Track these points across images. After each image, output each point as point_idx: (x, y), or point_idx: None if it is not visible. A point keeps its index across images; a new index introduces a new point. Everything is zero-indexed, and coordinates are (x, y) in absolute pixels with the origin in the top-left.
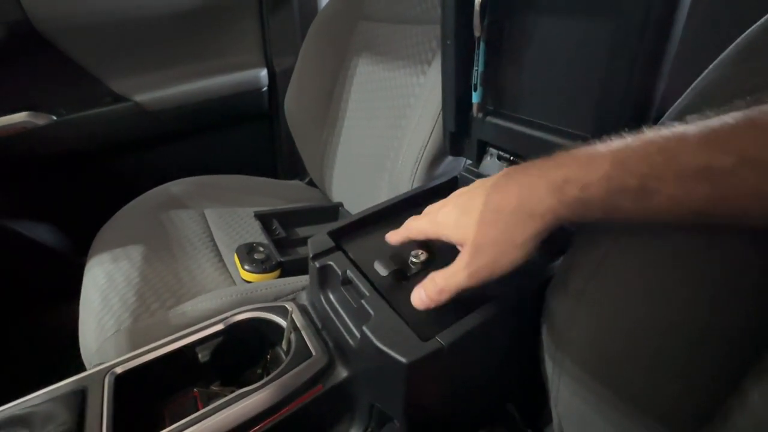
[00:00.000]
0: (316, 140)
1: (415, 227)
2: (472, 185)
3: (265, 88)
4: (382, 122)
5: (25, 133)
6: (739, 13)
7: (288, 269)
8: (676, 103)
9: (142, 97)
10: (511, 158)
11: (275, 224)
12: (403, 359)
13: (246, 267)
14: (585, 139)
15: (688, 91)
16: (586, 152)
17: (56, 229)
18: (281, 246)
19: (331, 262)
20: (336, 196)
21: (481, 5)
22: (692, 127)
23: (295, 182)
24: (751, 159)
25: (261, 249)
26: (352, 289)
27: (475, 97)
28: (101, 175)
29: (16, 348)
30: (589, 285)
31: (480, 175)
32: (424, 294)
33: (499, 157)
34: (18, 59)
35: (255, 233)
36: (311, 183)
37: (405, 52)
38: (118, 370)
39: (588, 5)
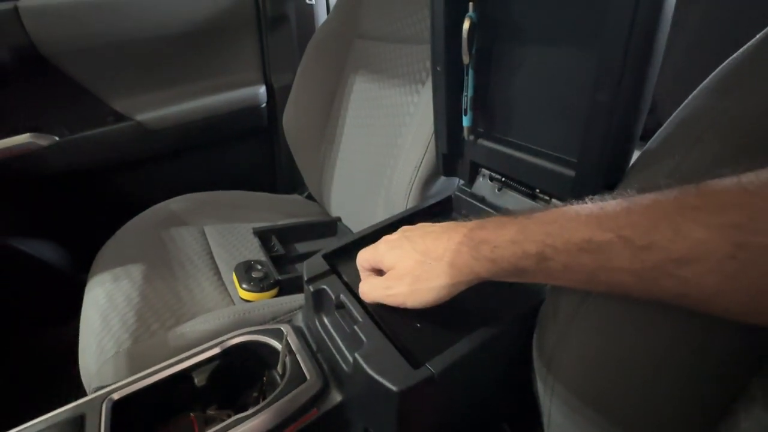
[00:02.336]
0: (314, 155)
1: (360, 258)
2: (418, 226)
3: (264, 105)
4: (378, 139)
5: (29, 154)
6: (727, 32)
7: (286, 287)
8: (659, 132)
9: (143, 116)
10: (503, 179)
11: (274, 240)
12: (394, 387)
13: (244, 286)
14: (570, 164)
15: (669, 119)
16: (501, 219)
17: (58, 246)
18: (279, 263)
19: (325, 287)
20: (335, 210)
21: (469, 33)
22: (588, 204)
23: (294, 196)
24: (625, 237)
25: (259, 267)
26: (345, 313)
27: (466, 121)
28: (103, 193)
29: (16, 366)
30: (580, 310)
31: (474, 195)
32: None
33: (491, 178)
34: (22, 82)
35: (254, 250)
36: (310, 197)
37: (400, 71)
38: (116, 396)
39: (570, 35)
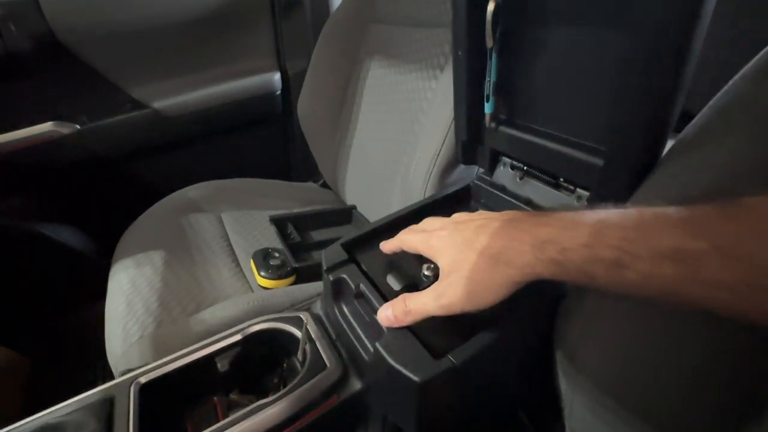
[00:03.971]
0: (329, 143)
1: (408, 242)
2: (474, 215)
3: (278, 92)
4: (394, 126)
5: (51, 142)
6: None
7: (303, 275)
8: (695, 119)
9: (160, 104)
10: (525, 167)
11: (290, 228)
12: (415, 378)
13: (262, 273)
14: (598, 152)
15: (706, 107)
16: (571, 217)
17: (82, 232)
18: (296, 250)
19: (344, 275)
20: (349, 198)
21: (494, 15)
22: (672, 209)
23: (309, 184)
24: (720, 247)
25: (276, 254)
26: (365, 302)
27: (488, 108)
28: (123, 180)
29: (45, 347)
30: (607, 303)
31: (493, 184)
32: (391, 313)
33: (513, 167)
34: (42, 70)
35: (270, 237)
36: (325, 185)
37: (417, 55)
38: (143, 379)
39: (603, 16)
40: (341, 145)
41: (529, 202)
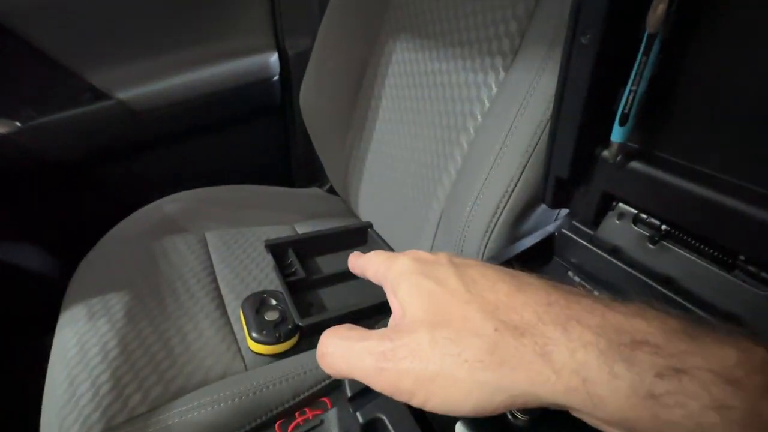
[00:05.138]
0: (339, 143)
1: (371, 266)
2: (473, 262)
3: (276, 77)
4: (429, 132)
5: None
6: None
7: (308, 333)
8: None
9: (127, 94)
10: (663, 226)
11: (291, 257)
12: None
13: (254, 335)
14: None
15: None
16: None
17: (31, 254)
18: (299, 290)
19: (382, 416)
20: (363, 211)
21: None
22: None
23: (313, 190)
24: None
25: (273, 302)
26: None
27: (619, 134)
28: (82, 189)
29: None
30: None
31: (599, 242)
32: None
33: (636, 221)
34: None
35: (266, 269)
36: (332, 190)
37: (465, 36)
38: None
39: None
40: (355, 147)
41: (668, 282)
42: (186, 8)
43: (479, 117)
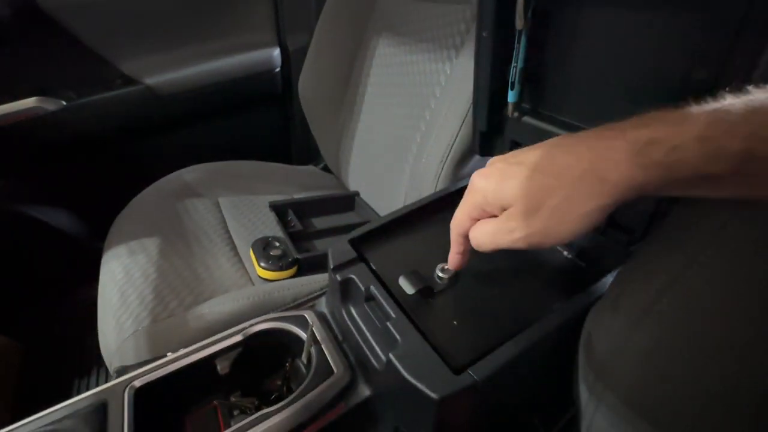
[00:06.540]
0: (331, 125)
1: (455, 223)
2: (521, 150)
3: (278, 69)
4: (403, 111)
5: (36, 119)
6: None
7: (305, 266)
8: None
9: (153, 80)
10: None
11: (290, 215)
12: (433, 395)
13: (262, 264)
14: None
15: None
16: (676, 112)
17: (72, 215)
18: (297, 239)
19: (353, 276)
20: (352, 184)
21: None
22: None
23: (310, 167)
24: None
25: (277, 244)
26: (376, 306)
27: (512, 96)
28: (115, 161)
29: (37, 334)
30: (654, 309)
31: None
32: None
33: None
34: (24, 41)
35: (270, 224)
36: (326, 168)
37: (430, 33)
38: (137, 383)
39: None
40: (345, 128)
41: None
42: (201, 10)
43: (438, 94)
